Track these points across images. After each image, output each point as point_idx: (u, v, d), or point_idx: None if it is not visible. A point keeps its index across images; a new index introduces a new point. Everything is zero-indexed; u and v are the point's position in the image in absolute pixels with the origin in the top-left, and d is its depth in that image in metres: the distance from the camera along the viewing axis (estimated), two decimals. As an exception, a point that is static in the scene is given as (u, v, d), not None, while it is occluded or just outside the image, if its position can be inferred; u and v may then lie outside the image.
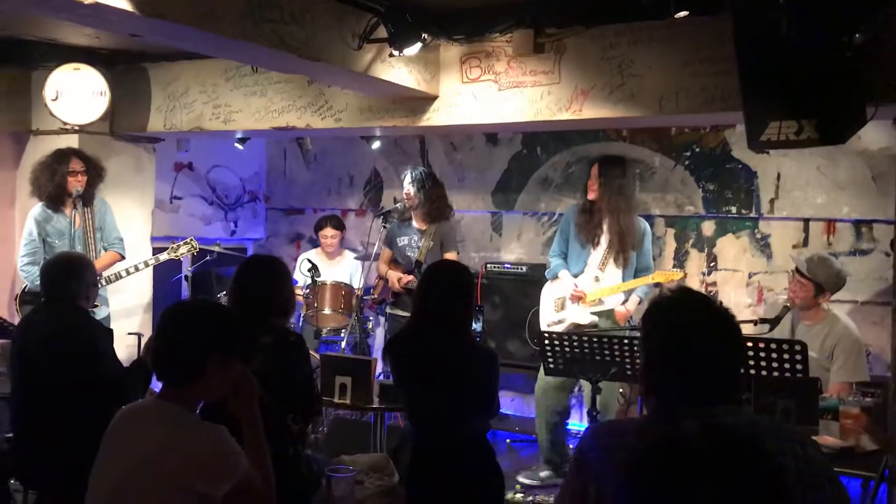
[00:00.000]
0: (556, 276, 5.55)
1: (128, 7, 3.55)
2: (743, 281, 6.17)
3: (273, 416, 2.96)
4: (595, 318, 5.35)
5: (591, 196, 5.40)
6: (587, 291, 5.37)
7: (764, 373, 3.86)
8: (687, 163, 6.32)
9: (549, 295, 5.58)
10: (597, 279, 5.39)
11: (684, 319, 1.87)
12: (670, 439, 1.33)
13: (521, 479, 5.32)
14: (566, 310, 5.45)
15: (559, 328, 5.32)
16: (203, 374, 2.39)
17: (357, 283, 6.36)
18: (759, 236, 6.12)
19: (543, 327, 5.46)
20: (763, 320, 4.45)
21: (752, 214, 6.11)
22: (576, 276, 5.46)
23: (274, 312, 3.41)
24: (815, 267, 4.43)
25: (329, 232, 6.96)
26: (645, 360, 1.92)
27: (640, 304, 5.40)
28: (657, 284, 5.38)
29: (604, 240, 5.38)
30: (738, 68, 3.90)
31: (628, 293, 5.40)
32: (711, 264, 6.28)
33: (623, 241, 5.31)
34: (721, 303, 1.97)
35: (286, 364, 3.28)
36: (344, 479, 3.01)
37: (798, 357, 3.83)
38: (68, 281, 3.76)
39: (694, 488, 1.28)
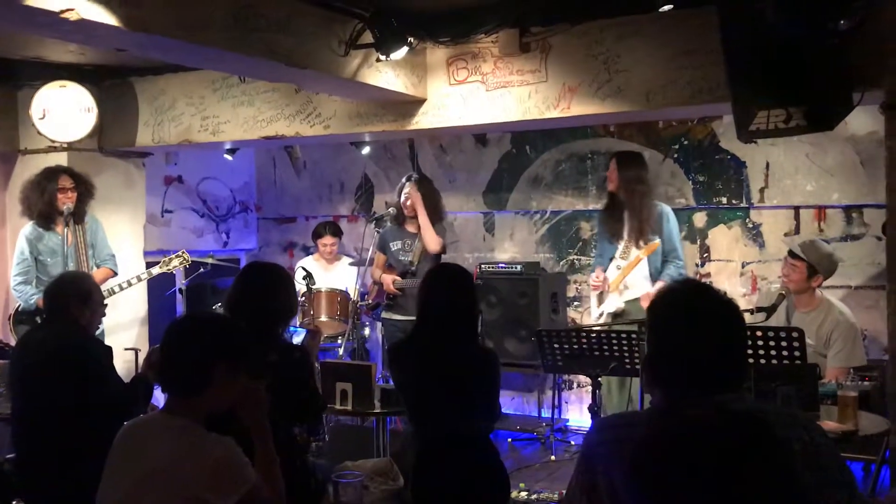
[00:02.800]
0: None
1: (114, 22, 3.55)
2: (736, 271, 6.19)
3: (281, 430, 2.95)
4: (622, 305, 5.55)
5: (611, 187, 5.64)
6: (610, 280, 5.59)
7: (763, 361, 3.89)
8: (676, 155, 6.34)
9: (593, 293, 5.81)
10: (618, 268, 5.60)
11: (689, 310, 1.87)
12: (684, 425, 1.34)
13: None
14: (605, 303, 5.66)
15: (602, 320, 5.59)
16: (210, 385, 2.39)
17: (353, 288, 6.36)
18: (750, 226, 6.15)
19: (591, 323, 5.75)
20: (759, 309, 4.47)
21: (743, 204, 6.14)
22: (606, 269, 5.68)
23: (281, 323, 3.38)
24: (807, 248, 4.51)
25: (328, 240, 6.97)
26: (651, 351, 1.92)
27: None
28: (664, 264, 5.56)
29: (625, 231, 5.60)
30: (724, 59, 3.92)
31: (654, 278, 5.53)
32: (704, 255, 6.30)
33: (642, 227, 5.51)
34: (725, 293, 1.96)
35: (293, 380, 3.25)
36: (352, 484, 3.01)
37: (796, 344, 3.86)
38: (70, 300, 3.75)
39: (708, 472, 1.29)
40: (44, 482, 3.59)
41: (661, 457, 1.36)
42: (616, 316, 5.54)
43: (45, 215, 5.64)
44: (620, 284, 5.56)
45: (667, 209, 5.69)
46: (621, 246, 5.61)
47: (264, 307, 3.27)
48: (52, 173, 5.67)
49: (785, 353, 3.88)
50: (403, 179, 6.03)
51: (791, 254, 4.56)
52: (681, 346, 1.84)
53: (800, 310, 4.56)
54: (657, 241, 5.51)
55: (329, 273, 6.87)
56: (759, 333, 3.92)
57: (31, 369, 3.65)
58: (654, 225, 5.54)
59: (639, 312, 5.45)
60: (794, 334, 3.88)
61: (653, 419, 1.81)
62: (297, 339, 5.89)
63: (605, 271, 5.65)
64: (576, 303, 6.75)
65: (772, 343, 3.89)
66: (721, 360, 1.83)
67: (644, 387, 2.12)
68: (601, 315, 5.64)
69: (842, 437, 3.49)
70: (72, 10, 3.38)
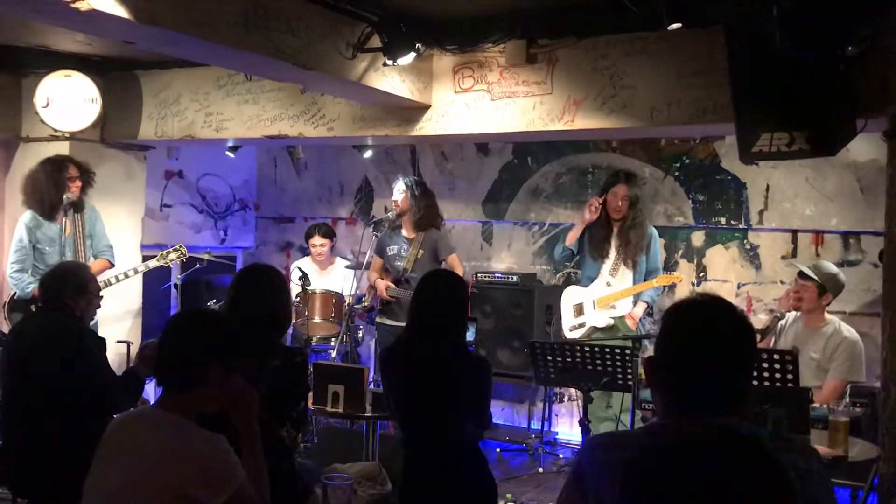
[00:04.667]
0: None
1: (124, 14, 3.55)
2: (732, 291, 6.20)
3: (271, 434, 2.94)
4: (612, 321, 5.70)
5: (617, 215, 5.72)
6: (599, 297, 5.74)
7: (755, 382, 3.89)
8: (677, 174, 6.36)
9: (568, 302, 5.93)
10: (608, 284, 5.76)
11: (697, 324, 1.84)
12: (683, 445, 1.33)
13: None
14: (585, 314, 5.79)
15: (579, 332, 5.74)
16: (204, 382, 2.39)
17: (349, 291, 6.35)
18: (748, 247, 6.16)
19: (566, 332, 5.85)
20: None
21: (742, 225, 6.15)
22: (590, 278, 5.83)
23: (277, 329, 3.36)
24: (816, 269, 4.64)
25: (318, 241, 6.89)
26: (657, 356, 1.87)
27: (647, 309, 5.71)
28: (662, 287, 5.81)
29: (612, 249, 5.72)
30: (730, 80, 3.93)
31: (636, 298, 5.70)
32: (701, 274, 6.31)
33: (634, 247, 5.65)
34: (742, 311, 1.92)
35: (292, 384, 3.24)
36: (341, 487, 3.00)
37: (789, 367, 3.87)
38: (65, 290, 3.74)
39: (706, 496, 1.27)
40: (30, 470, 3.57)
41: (656, 476, 1.34)
42: (604, 330, 5.69)
43: (55, 205, 5.62)
44: (612, 302, 5.69)
45: (654, 231, 5.83)
46: (608, 264, 5.75)
47: (264, 313, 3.24)
48: (59, 164, 5.66)
49: (777, 375, 3.88)
50: (396, 180, 6.09)
51: (801, 275, 4.67)
52: (682, 360, 1.82)
53: (808, 327, 4.68)
54: (679, 275, 5.90)
55: (324, 276, 6.85)
56: (752, 355, 3.93)
57: (23, 357, 3.64)
58: (644, 245, 5.69)
59: (626, 329, 5.64)
60: (788, 357, 3.89)
61: (646, 441, 1.78)
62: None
63: (589, 283, 5.83)
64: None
65: (765, 365, 3.90)
66: (723, 381, 1.79)
67: (648, 386, 2.07)
68: (580, 326, 5.78)
69: (831, 462, 3.49)
70: (83, 0, 3.38)
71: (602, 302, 5.71)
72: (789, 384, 3.85)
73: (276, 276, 3.42)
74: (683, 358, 1.82)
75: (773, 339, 4.72)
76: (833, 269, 4.71)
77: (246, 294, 3.29)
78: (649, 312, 5.84)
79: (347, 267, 6.77)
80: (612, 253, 5.73)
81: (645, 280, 5.72)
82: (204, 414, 2.45)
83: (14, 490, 3.84)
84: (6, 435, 3.75)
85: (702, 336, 1.82)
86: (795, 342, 4.59)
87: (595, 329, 5.71)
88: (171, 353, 2.46)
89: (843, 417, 3.68)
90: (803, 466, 1.76)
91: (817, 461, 1.84)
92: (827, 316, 4.67)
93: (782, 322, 4.73)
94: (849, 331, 4.59)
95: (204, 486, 2.25)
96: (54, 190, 5.58)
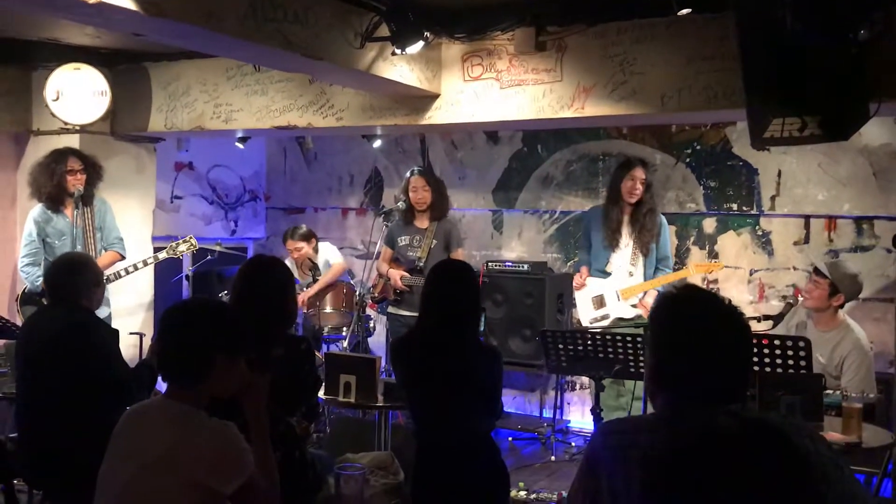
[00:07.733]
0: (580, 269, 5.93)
1: (132, 6, 3.55)
2: (744, 278, 6.18)
3: (281, 422, 2.95)
4: (638, 311, 5.65)
5: (633, 199, 5.65)
6: (623, 287, 5.67)
7: (768, 369, 3.88)
8: (688, 160, 6.33)
9: (585, 294, 5.84)
10: (630, 274, 5.69)
11: (692, 317, 1.85)
12: (701, 435, 1.33)
13: None
14: (607, 306, 5.73)
15: (604, 324, 5.64)
16: (208, 373, 2.39)
17: (339, 259, 6.41)
18: (760, 233, 6.13)
19: (586, 325, 5.75)
20: (766, 317, 4.46)
21: (754, 211, 6.12)
22: (600, 270, 5.78)
23: (282, 322, 3.35)
24: (832, 267, 4.46)
25: (290, 244, 6.44)
26: (653, 359, 1.91)
27: None
28: (656, 271, 5.71)
29: (625, 237, 5.68)
30: (741, 65, 3.89)
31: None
32: (713, 261, 6.28)
33: (648, 234, 5.62)
34: (729, 301, 1.95)
35: (298, 372, 3.25)
36: (354, 476, 3.01)
37: (802, 353, 3.85)
38: (72, 281, 3.75)
39: (729, 482, 1.28)
40: (45, 462, 3.59)
41: (678, 468, 1.34)
42: (632, 321, 5.61)
43: (53, 197, 5.64)
44: (639, 293, 5.64)
45: (663, 218, 5.79)
46: (625, 254, 5.67)
47: (269, 306, 3.23)
48: (60, 155, 5.67)
49: (791, 362, 3.87)
50: (407, 174, 6.01)
51: (816, 271, 4.50)
52: (683, 355, 1.82)
53: (817, 328, 4.49)
54: (721, 262, 5.88)
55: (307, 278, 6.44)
56: (765, 342, 3.91)
57: (37, 350, 3.65)
58: (655, 233, 5.65)
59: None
60: (801, 343, 3.87)
61: (660, 428, 1.79)
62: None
63: (600, 271, 5.77)
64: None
65: (777, 352, 3.88)
66: (723, 368, 1.81)
67: (647, 393, 2.10)
68: (604, 318, 5.69)
69: (845, 448, 3.47)
70: (91, -7, 3.38)
71: (627, 293, 5.65)
72: (802, 371, 3.84)
73: (280, 269, 3.41)
74: (678, 355, 1.84)
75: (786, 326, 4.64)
76: (852, 269, 4.49)
77: (250, 287, 3.29)
78: None
79: (358, 257, 6.72)
80: (627, 242, 5.68)
81: (655, 270, 5.67)
82: (215, 401, 2.46)
83: (29, 482, 3.87)
84: (21, 427, 3.77)
85: (691, 330, 1.84)
86: None
87: (621, 320, 5.62)
88: (171, 349, 2.45)
89: (857, 404, 3.66)
90: (812, 449, 1.76)
91: (823, 443, 1.84)
92: (839, 316, 4.45)
93: (795, 309, 4.67)
94: (858, 339, 4.36)
95: (215, 475, 2.26)
96: (51, 182, 5.59)
